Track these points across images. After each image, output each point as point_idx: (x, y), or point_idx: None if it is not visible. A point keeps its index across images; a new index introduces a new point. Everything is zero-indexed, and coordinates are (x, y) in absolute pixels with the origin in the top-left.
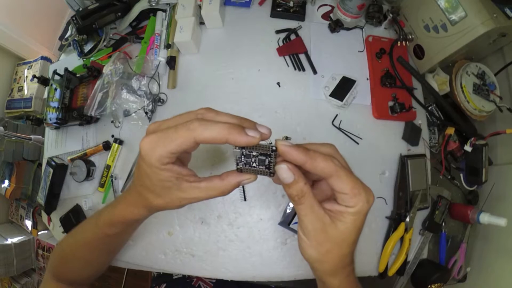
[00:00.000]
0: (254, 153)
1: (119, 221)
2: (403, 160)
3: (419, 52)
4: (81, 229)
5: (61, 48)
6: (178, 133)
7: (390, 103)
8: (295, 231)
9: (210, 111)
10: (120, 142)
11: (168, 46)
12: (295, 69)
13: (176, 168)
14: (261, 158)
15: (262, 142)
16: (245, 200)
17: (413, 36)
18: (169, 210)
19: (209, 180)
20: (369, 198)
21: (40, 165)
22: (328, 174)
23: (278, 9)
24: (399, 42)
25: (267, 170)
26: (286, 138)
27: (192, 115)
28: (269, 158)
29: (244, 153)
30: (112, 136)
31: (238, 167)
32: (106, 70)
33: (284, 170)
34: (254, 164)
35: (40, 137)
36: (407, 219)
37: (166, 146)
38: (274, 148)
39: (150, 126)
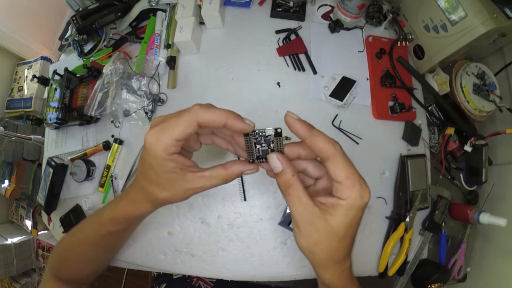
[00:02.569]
0: (263, 143)
1: (123, 218)
2: (403, 160)
3: (419, 52)
4: (82, 227)
5: (61, 48)
6: (181, 118)
7: (390, 103)
8: None
9: (209, 104)
10: (120, 142)
11: (168, 46)
12: (295, 69)
13: (180, 158)
14: (264, 149)
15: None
16: (245, 200)
17: (413, 36)
18: (173, 203)
19: (212, 169)
20: (364, 194)
21: (40, 165)
22: (325, 155)
23: (278, 9)
24: (399, 42)
25: (267, 149)
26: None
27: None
28: (273, 144)
29: (250, 140)
30: (112, 136)
31: (253, 157)
32: (106, 70)
33: (273, 159)
34: (257, 152)
35: (40, 137)
36: (407, 219)
37: (170, 133)
38: (279, 130)
39: (154, 120)
